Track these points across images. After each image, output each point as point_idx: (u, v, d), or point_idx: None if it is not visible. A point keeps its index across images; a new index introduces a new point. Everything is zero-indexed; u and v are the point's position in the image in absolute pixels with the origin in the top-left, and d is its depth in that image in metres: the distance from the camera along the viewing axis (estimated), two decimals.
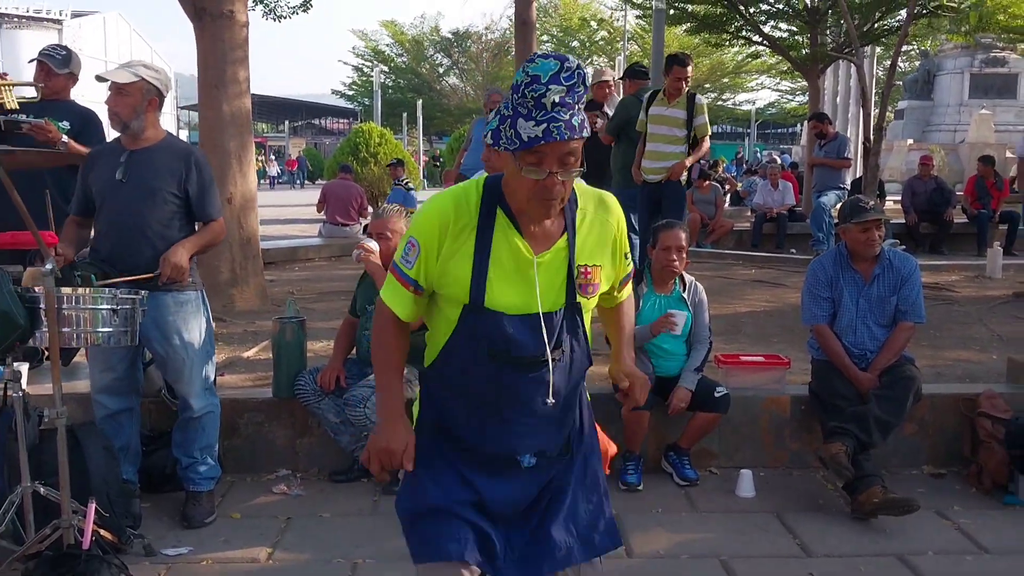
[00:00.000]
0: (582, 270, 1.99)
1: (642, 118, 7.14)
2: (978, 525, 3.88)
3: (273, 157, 46.85)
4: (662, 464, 4.45)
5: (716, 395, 4.24)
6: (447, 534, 2.02)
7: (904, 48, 24.32)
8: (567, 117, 1.78)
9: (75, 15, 45.73)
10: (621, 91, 8.76)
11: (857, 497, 3.89)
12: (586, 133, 1.83)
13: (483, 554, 2.04)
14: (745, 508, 4.09)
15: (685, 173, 6.99)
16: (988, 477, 4.23)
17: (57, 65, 4.97)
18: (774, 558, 3.60)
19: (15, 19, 42.43)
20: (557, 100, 1.77)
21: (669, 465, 4.41)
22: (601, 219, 2.04)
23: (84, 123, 4.91)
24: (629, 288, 2.25)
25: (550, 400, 2.01)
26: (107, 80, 3.65)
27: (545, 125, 1.77)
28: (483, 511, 2.07)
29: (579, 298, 2.00)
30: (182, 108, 53.84)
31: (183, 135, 47.47)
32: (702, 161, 9.34)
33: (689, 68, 7.03)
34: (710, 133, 7.24)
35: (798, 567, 3.51)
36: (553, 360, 1.98)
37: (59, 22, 44.30)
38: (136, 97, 3.65)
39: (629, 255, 2.16)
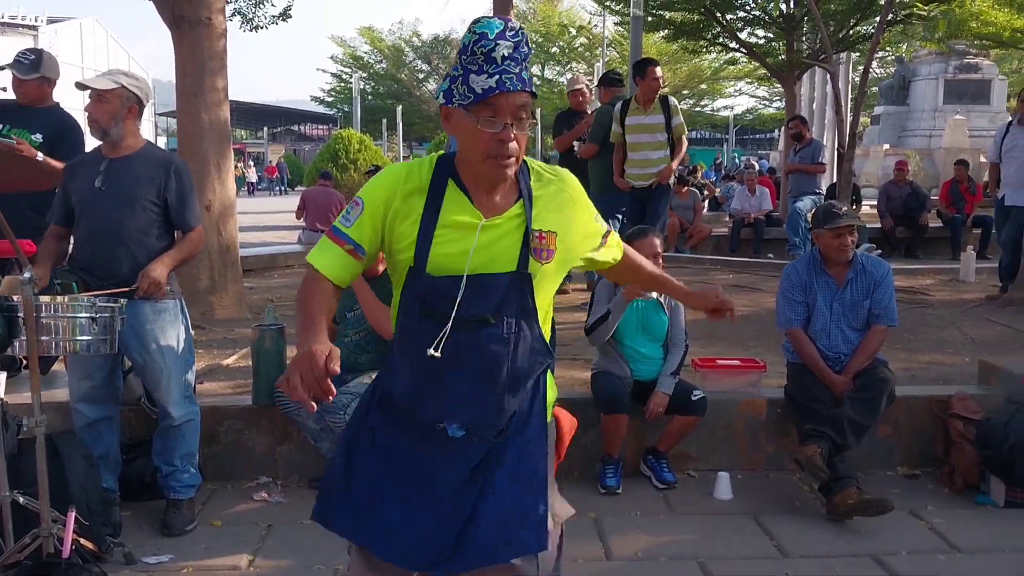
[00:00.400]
0: (537, 235, 2.00)
1: (616, 130, 7.21)
2: (951, 524, 3.95)
3: (252, 164, 46.61)
4: (641, 467, 4.49)
5: (693, 398, 4.29)
6: (375, 530, 2.07)
7: (880, 54, 24.58)
8: (517, 70, 1.87)
9: (51, 21, 45.39)
10: (596, 98, 8.84)
11: (832, 498, 3.94)
12: (534, 89, 1.92)
13: (403, 553, 2.05)
14: (722, 510, 4.14)
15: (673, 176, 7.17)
16: (960, 477, 4.30)
17: (23, 71, 4.83)
18: (751, 559, 3.64)
19: None
20: (507, 54, 1.85)
21: (648, 468, 4.45)
22: (556, 187, 2.07)
23: (63, 131, 4.84)
24: (618, 244, 2.28)
25: (492, 370, 1.99)
26: (88, 87, 3.65)
27: (497, 76, 1.84)
28: (407, 502, 2.06)
29: (532, 265, 1.99)
30: (160, 115, 53.55)
31: (161, 142, 47.25)
32: (680, 166, 9.43)
33: (660, 70, 7.16)
34: (687, 133, 7.35)
35: (774, 568, 3.56)
36: (494, 323, 1.98)
37: (35, 28, 43.94)
38: (115, 104, 3.66)
39: (599, 217, 2.20)
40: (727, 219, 14.28)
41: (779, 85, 17.79)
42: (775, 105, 42.58)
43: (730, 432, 4.60)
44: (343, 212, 2.04)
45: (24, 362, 3.48)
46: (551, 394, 2.18)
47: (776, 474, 4.55)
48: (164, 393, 3.81)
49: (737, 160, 36.49)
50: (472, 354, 1.99)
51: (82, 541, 3.24)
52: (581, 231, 2.14)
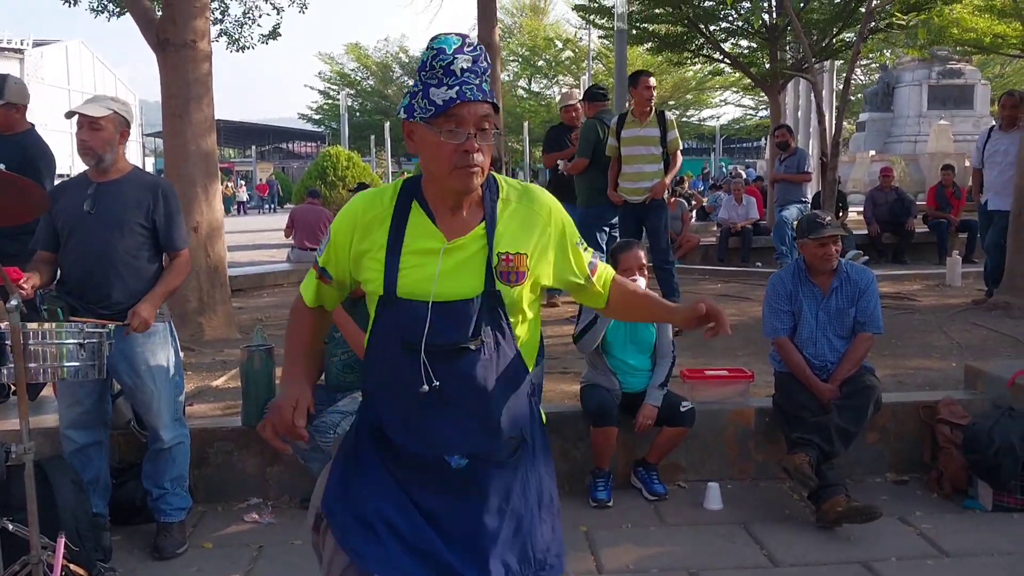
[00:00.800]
0: (503, 257, 1.96)
1: (612, 143, 7.21)
2: (939, 530, 3.97)
3: (243, 183, 46.56)
4: (631, 479, 4.51)
5: (682, 410, 4.32)
6: (381, 557, 1.96)
7: (864, 62, 24.76)
8: (477, 81, 1.88)
9: (37, 44, 45.39)
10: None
11: (821, 506, 3.97)
12: (497, 101, 1.91)
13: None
14: (713, 520, 4.16)
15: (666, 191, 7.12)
16: (948, 482, 4.33)
17: None
18: (742, 569, 3.66)
19: None
20: (465, 67, 1.86)
21: (638, 480, 4.47)
22: (526, 207, 2.03)
23: (29, 158, 4.77)
24: (608, 271, 2.22)
25: (474, 392, 1.96)
26: (77, 115, 3.66)
27: (458, 87, 1.85)
28: (418, 527, 1.99)
29: (499, 286, 1.96)
30: (148, 135, 53.54)
31: (149, 162, 47.20)
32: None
33: (653, 79, 7.17)
34: (681, 147, 7.36)
35: None
36: (472, 349, 1.95)
37: (20, 51, 43.94)
38: (109, 131, 3.69)
39: (583, 244, 2.14)
40: (715, 228, 14.34)
41: (764, 95, 17.90)
42: (761, 114, 42.77)
43: (719, 442, 4.62)
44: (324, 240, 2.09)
45: (12, 389, 3.47)
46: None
47: (766, 483, 4.57)
48: (154, 416, 3.81)
49: (725, 169, 36.62)
50: (460, 382, 1.96)
51: (72, 567, 3.23)
52: (557, 252, 2.07)
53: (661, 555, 3.78)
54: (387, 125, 38.38)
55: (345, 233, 2.01)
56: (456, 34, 1.90)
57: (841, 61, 18.08)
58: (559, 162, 8.01)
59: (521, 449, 2.08)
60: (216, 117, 7.05)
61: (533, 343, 2.12)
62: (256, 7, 12.55)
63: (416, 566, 1.97)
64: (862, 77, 34.35)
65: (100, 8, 12.33)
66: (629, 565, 3.69)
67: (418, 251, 1.95)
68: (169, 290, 3.80)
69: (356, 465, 2.07)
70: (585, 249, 2.15)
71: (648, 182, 7.05)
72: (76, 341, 3.20)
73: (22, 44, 44.14)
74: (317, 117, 54.18)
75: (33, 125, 5.08)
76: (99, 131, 3.66)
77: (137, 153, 48.41)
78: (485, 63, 1.90)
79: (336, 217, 2.05)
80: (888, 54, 23.02)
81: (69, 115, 3.70)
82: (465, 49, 1.87)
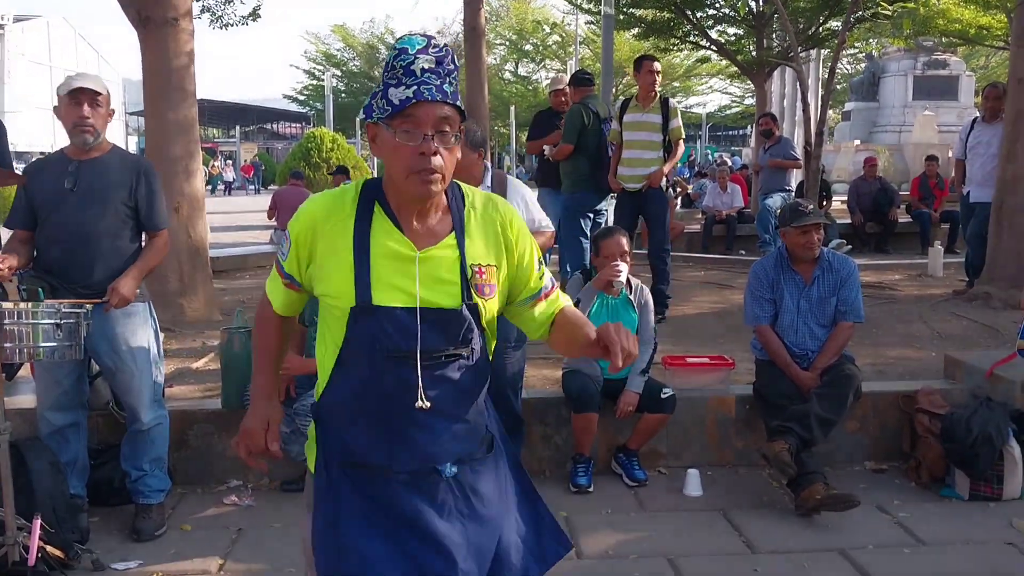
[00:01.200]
0: (476, 269, 1.90)
1: (615, 127, 7.15)
2: (916, 518, 4.00)
3: (229, 162, 46.22)
4: (612, 466, 4.52)
5: (663, 396, 4.32)
6: None
7: (850, 51, 24.84)
8: (437, 82, 1.78)
9: (17, 19, 44.81)
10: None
11: (800, 494, 3.99)
12: (460, 103, 1.82)
13: None
14: (692, 507, 4.18)
15: (664, 180, 6.91)
16: (926, 471, 4.36)
17: None
18: (720, 556, 3.68)
19: None
20: (426, 67, 1.77)
21: (619, 466, 4.48)
22: (489, 217, 1.96)
23: None
24: (556, 305, 2.07)
25: (463, 400, 1.92)
26: (77, 86, 3.57)
27: (416, 87, 1.76)
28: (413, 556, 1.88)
29: (475, 298, 1.89)
30: (131, 114, 53.03)
31: (132, 141, 46.77)
32: None
33: (657, 64, 7.06)
34: (684, 136, 7.24)
35: (743, 564, 3.60)
36: (464, 356, 1.90)
37: (0, 27, 43.37)
38: (106, 108, 3.67)
39: (542, 265, 2.04)
40: (699, 216, 14.36)
41: (751, 82, 17.91)
42: (747, 101, 42.83)
43: (700, 429, 4.63)
44: (283, 240, 1.98)
45: None
46: None
47: (745, 470, 4.59)
48: (135, 397, 3.78)
49: (711, 157, 36.66)
50: (449, 389, 1.89)
51: (48, 548, 3.22)
52: (517, 265, 1.98)
53: (640, 541, 3.79)
54: None
55: (306, 236, 1.90)
56: (422, 34, 1.82)
57: (827, 50, 18.11)
58: (544, 148, 7.96)
59: (493, 442, 2.04)
60: (200, 96, 6.98)
61: (494, 336, 2.04)
62: None
63: None
64: (848, 66, 34.41)
65: None
66: (608, 551, 3.71)
67: (388, 255, 1.85)
68: (148, 267, 3.77)
69: (337, 520, 1.90)
70: (542, 276, 2.03)
71: (646, 169, 6.88)
72: (53, 321, 3.17)
73: (3, 19, 43.57)
74: (302, 98, 53.83)
75: None
76: (99, 108, 3.63)
77: (120, 132, 48.00)
78: (452, 65, 1.81)
79: (294, 220, 1.92)
80: (874, 44, 23.07)
81: (78, 92, 3.59)
82: (429, 50, 1.78)
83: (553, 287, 2.07)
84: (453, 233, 1.90)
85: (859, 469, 4.63)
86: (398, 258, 1.86)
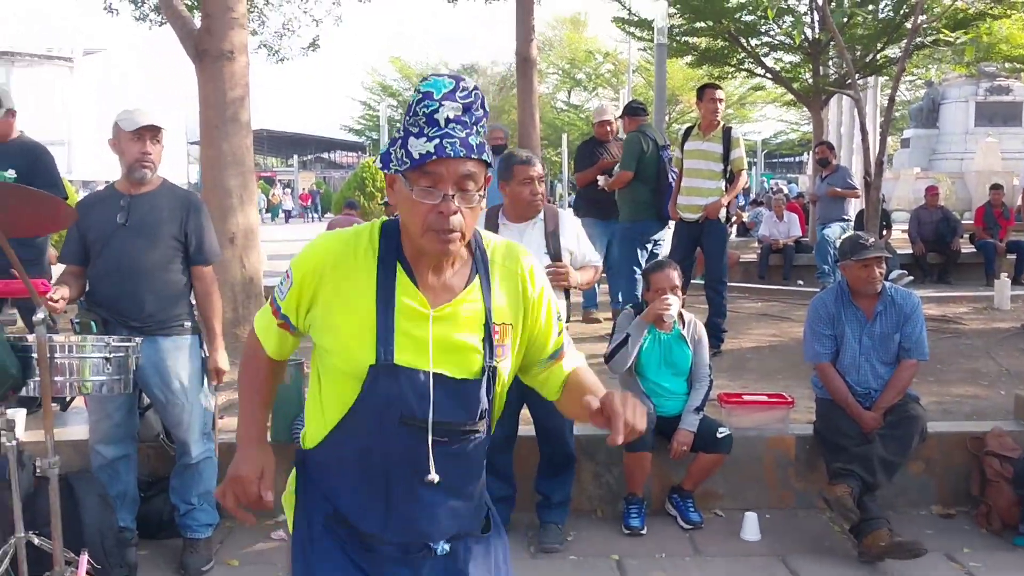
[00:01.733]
0: (494, 329, 1.75)
1: (676, 155, 7.06)
2: (987, 568, 3.82)
3: (288, 191, 47.02)
4: (666, 507, 4.39)
5: (719, 436, 4.19)
6: None
7: (909, 78, 24.41)
8: (462, 135, 1.63)
9: (86, 53, 46.25)
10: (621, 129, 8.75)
11: (863, 540, 3.83)
12: (486, 157, 1.67)
13: None
14: (750, 551, 4.03)
15: (724, 211, 6.70)
16: (997, 518, 4.16)
17: None
18: None
19: (27, 57, 42.95)
20: (451, 116, 1.63)
21: (673, 508, 4.35)
22: (509, 270, 1.81)
23: (35, 160, 4.91)
24: (563, 366, 1.91)
25: (470, 476, 1.81)
26: (143, 124, 3.61)
27: (438, 140, 1.61)
28: None
29: (495, 360, 1.75)
30: (192, 143, 54.29)
31: (193, 170, 47.77)
32: None
33: (720, 92, 6.91)
34: (746, 168, 7.05)
35: None
36: (479, 431, 1.77)
37: (70, 60, 44.80)
38: (162, 143, 3.73)
39: (560, 319, 1.90)
40: (755, 245, 14.14)
41: (807, 109, 17.66)
42: (803, 128, 42.32)
43: (758, 470, 4.49)
44: (282, 278, 1.82)
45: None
46: None
47: (805, 513, 4.43)
48: (184, 430, 3.79)
49: (766, 184, 36.21)
50: (460, 464, 1.78)
51: None
52: (534, 323, 1.84)
53: None
54: None
55: (311, 278, 1.74)
56: (451, 75, 1.67)
57: (885, 77, 17.82)
58: (599, 177, 7.87)
59: (489, 519, 1.93)
60: (260, 127, 7.06)
61: (503, 405, 1.90)
62: (295, 19, 12.72)
63: None
64: (907, 93, 33.83)
65: (142, 17, 12.52)
66: None
67: (402, 312, 1.71)
68: (218, 321, 3.87)
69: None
70: (561, 332, 1.89)
71: (704, 199, 6.68)
72: (102, 355, 3.19)
73: (72, 53, 44.97)
74: (359, 127, 54.61)
75: (22, 131, 5.15)
76: (159, 145, 3.69)
77: (183, 161, 49.13)
78: (480, 111, 1.66)
79: (299, 255, 1.77)
80: (934, 70, 22.66)
81: (141, 129, 3.60)
82: (456, 95, 1.63)
83: (565, 345, 1.92)
84: (472, 286, 1.77)
85: (925, 514, 4.44)
86: (412, 316, 1.72)
